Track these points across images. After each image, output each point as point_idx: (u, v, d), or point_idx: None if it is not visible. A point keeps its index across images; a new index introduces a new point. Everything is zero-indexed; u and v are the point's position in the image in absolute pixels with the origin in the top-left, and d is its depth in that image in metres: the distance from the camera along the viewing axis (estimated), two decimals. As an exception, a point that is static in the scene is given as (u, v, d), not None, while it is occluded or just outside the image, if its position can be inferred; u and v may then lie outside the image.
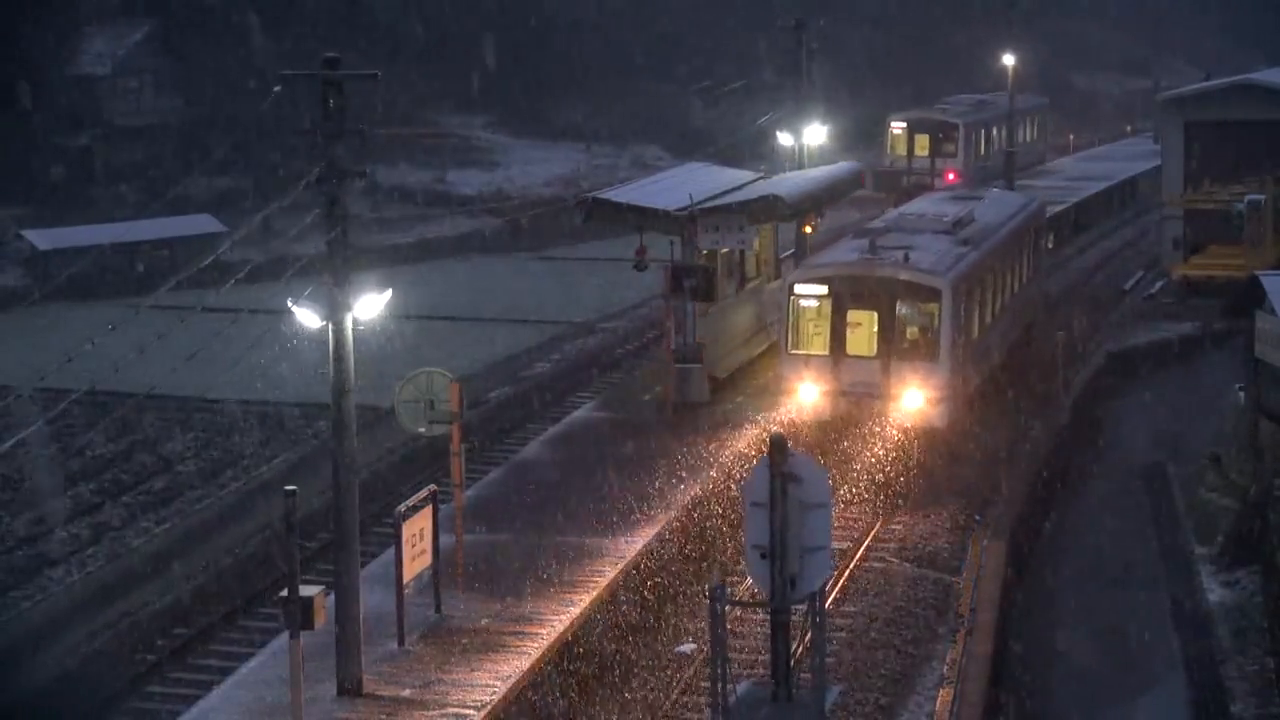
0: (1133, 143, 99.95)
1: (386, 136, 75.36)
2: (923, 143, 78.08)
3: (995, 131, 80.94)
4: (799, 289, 36.48)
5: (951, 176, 75.47)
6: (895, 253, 36.55)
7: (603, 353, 52.57)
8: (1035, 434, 40.17)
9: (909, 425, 35.40)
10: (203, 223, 70.72)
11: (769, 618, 16.48)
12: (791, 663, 16.98)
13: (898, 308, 35.74)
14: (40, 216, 72.97)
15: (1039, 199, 51.76)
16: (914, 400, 35.29)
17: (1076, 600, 32.43)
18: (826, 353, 35.90)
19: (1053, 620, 31.51)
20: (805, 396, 35.93)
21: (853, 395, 35.67)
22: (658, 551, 29.36)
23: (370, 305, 23.25)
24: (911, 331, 36.16)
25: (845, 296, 35.86)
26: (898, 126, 79.88)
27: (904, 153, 78.36)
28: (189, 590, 32.65)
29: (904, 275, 35.74)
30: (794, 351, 36.35)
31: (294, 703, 21.54)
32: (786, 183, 44.06)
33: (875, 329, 35.82)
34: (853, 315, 35.91)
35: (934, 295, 35.52)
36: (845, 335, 35.89)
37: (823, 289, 36.18)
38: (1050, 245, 54.75)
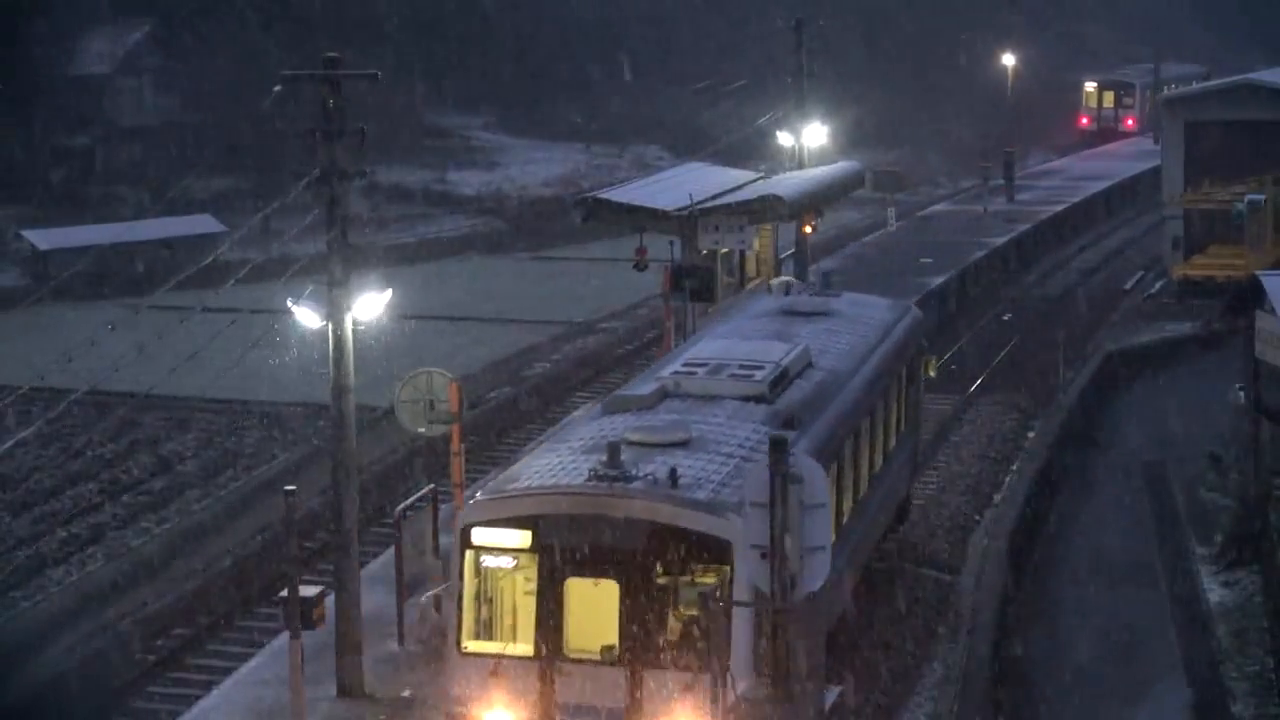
0: (1130, 142, 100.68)
1: (386, 136, 75.33)
2: (1109, 98, 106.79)
3: (1164, 90, 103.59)
4: (479, 536, 20.45)
5: (1130, 122, 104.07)
6: (654, 463, 20.68)
7: (603, 353, 52.53)
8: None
9: None
10: (203, 223, 70.68)
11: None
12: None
13: (656, 574, 20.01)
14: (40, 216, 72.93)
15: (913, 310, 33.10)
16: None
17: (1076, 600, 32.43)
18: (530, 653, 20.23)
19: (1053, 620, 31.50)
20: None
21: None
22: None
23: (370, 305, 23.28)
24: (680, 614, 20.11)
25: (563, 553, 20.10)
26: (1090, 85, 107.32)
27: (1095, 105, 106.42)
28: (189, 590, 32.63)
29: (665, 516, 19.90)
30: (471, 648, 20.49)
31: (294, 703, 21.56)
32: (786, 183, 44.10)
33: (617, 612, 20.03)
34: (576, 587, 20.25)
35: (719, 550, 19.73)
36: (564, 622, 20.26)
37: (522, 537, 20.29)
38: (933, 373, 34.07)
